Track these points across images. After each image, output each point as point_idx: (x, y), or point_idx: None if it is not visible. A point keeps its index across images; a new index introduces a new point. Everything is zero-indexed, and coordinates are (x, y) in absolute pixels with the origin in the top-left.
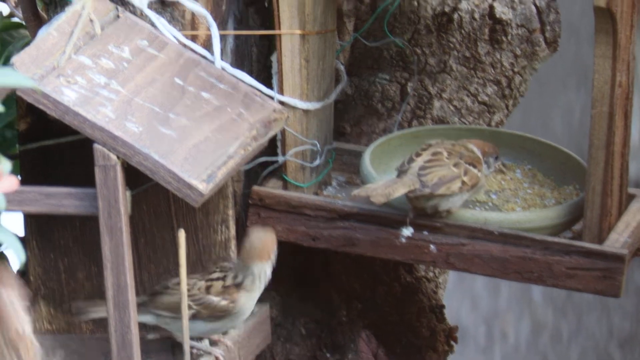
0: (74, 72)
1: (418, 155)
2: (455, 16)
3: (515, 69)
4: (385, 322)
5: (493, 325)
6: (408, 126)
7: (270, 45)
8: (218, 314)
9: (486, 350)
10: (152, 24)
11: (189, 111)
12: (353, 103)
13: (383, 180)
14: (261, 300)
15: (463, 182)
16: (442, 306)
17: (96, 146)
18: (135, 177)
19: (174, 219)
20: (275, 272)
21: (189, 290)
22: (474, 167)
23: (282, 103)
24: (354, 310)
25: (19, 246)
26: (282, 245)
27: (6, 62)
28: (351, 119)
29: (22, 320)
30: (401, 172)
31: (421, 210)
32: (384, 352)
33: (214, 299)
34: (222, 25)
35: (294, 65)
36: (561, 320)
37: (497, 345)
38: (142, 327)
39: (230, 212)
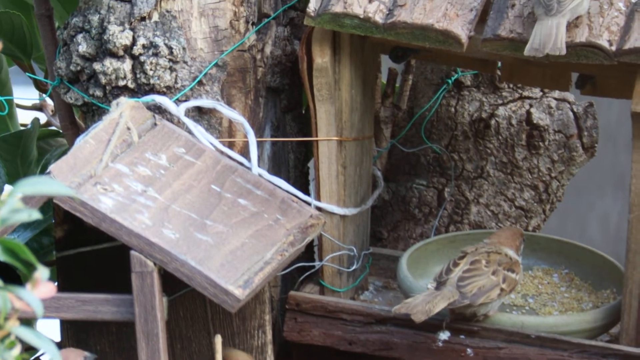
0: (111, 180)
1: (456, 265)
2: (493, 122)
3: (553, 174)
4: None
5: None
6: (445, 231)
7: (307, 151)
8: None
9: None
10: (189, 132)
11: (226, 217)
12: (390, 208)
13: (422, 294)
14: None
15: (502, 290)
16: None
17: (133, 253)
18: (171, 281)
19: (210, 324)
20: None
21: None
22: (513, 272)
23: (319, 209)
24: None
25: (56, 352)
26: (318, 349)
27: (43, 170)
28: (388, 224)
29: None
30: (440, 284)
31: (459, 315)
32: None
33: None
34: (259, 132)
35: (331, 172)
36: None
37: None
38: None
39: (267, 317)
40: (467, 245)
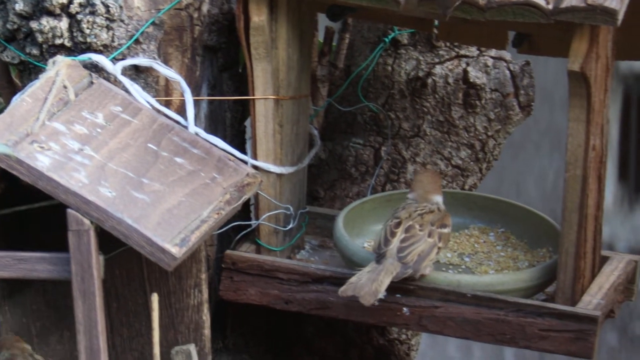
0: (47, 138)
1: (393, 234)
2: (429, 81)
3: (489, 133)
4: None
5: None
6: (382, 190)
7: (244, 110)
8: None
9: None
10: (126, 90)
11: (163, 176)
12: (326, 167)
13: (365, 271)
14: None
15: (439, 248)
16: None
17: (69, 211)
18: (108, 241)
19: (146, 283)
20: (247, 335)
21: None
22: (445, 226)
23: (255, 168)
24: None
25: None
26: (254, 308)
27: None
28: (325, 183)
29: None
30: (380, 256)
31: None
32: None
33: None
34: (195, 91)
35: (268, 130)
36: None
37: None
38: None
39: (203, 276)
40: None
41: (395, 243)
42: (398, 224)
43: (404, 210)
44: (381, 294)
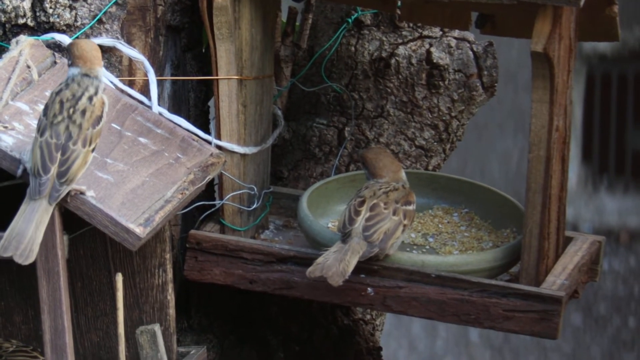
0: (11, 118)
1: (357, 213)
2: (393, 61)
3: (453, 114)
4: None
5: None
6: (345, 170)
7: (208, 90)
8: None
9: None
10: None
11: (126, 156)
12: (290, 147)
13: (331, 251)
14: (198, 342)
15: (404, 226)
16: (380, 348)
17: None
18: (72, 220)
19: (111, 262)
20: (212, 315)
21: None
22: (409, 204)
23: (219, 148)
24: (291, 353)
25: None
26: (219, 288)
27: None
28: (289, 163)
29: None
30: (345, 235)
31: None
32: None
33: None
34: (159, 71)
35: (232, 110)
36: None
37: None
38: None
39: (168, 255)
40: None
41: (360, 222)
42: (362, 203)
43: (367, 189)
44: (348, 274)
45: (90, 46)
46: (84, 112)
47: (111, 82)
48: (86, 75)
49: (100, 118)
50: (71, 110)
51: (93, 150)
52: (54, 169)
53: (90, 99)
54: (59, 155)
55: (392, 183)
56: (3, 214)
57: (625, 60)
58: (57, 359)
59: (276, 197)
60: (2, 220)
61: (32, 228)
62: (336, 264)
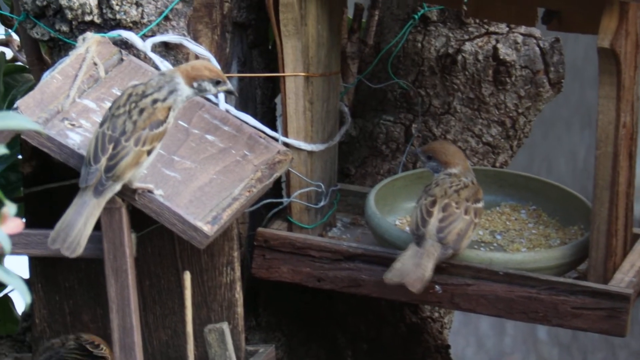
0: (78, 115)
1: (429, 214)
2: (459, 58)
3: (520, 110)
4: None
5: None
6: (412, 167)
7: (274, 87)
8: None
9: None
10: (156, 67)
11: (194, 153)
12: (357, 144)
13: (407, 255)
14: (266, 341)
15: (475, 224)
16: (448, 346)
17: None
18: (140, 219)
19: (179, 261)
20: (280, 313)
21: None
22: (478, 201)
23: (286, 145)
24: (359, 351)
25: (24, 288)
26: (287, 286)
27: (10, 105)
28: (356, 161)
29: None
30: (418, 238)
31: None
32: None
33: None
34: (226, 68)
35: (298, 107)
36: None
37: None
38: None
39: (236, 253)
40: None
41: (433, 223)
42: (433, 203)
43: (437, 187)
44: (427, 279)
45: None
46: (142, 110)
47: None
48: (191, 88)
49: (161, 122)
50: (132, 106)
51: (149, 152)
52: (103, 160)
53: (155, 101)
54: (110, 147)
55: (462, 179)
56: None
57: None
58: (126, 358)
59: (343, 194)
60: None
61: (81, 221)
62: (414, 269)
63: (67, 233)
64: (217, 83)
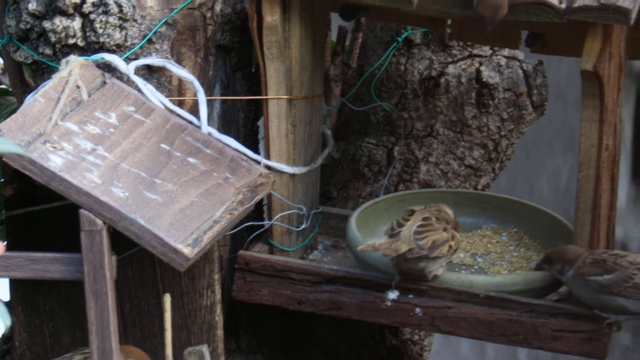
0: (60, 138)
1: (406, 220)
2: (442, 80)
3: (502, 133)
4: None
5: None
6: (394, 190)
7: (257, 110)
8: None
9: None
10: (139, 90)
11: (175, 176)
12: (340, 167)
13: (382, 239)
14: None
15: (450, 247)
16: None
17: (82, 211)
18: (121, 241)
19: (159, 283)
20: (260, 335)
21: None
22: (457, 231)
23: (268, 168)
24: None
25: (4, 311)
26: (267, 309)
27: None
28: (338, 183)
29: None
30: (392, 236)
31: (407, 275)
32: None
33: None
34: (209, 91)
35: (281, 130)
36: None
37: None
38: None
39: (216, 276)
40: (415, 204)
41: (409, 227)
42: (411, 212)
43: (418, 206)
44: (399, 253)
45: None
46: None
47: (161, 102)
48: None
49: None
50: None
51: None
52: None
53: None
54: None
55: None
56: (53, 235)
57: None
58: None
59: (325, 217)
60: (53, 240)
61: None
62: (389, 242)
63: None
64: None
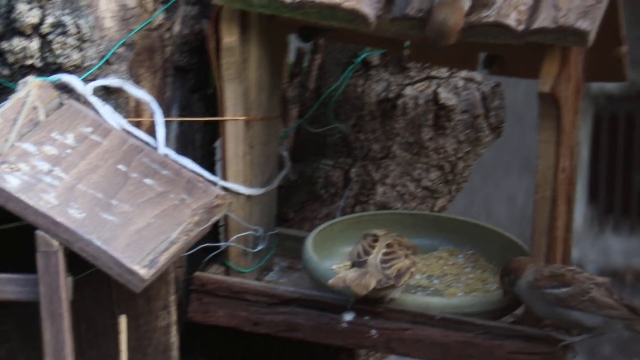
0: (17, 159)
1: (372, 247)
2: (400, 102)
3: (459, 155)
4: None
5: None
6: (351, 212)
7: (214, 131)
8: None
9: None
10: (97, 111)
11: (132, 197)
12: (296, 189)
13: (351, 271)
14: None
15: (411, 273)
16: None
17: (38, 232)
18: (77, 262)
19: (115, 304)
20: (216, 357)
21: None
22: (415, 255)
23: (225, 189)
24: None
25: None
26: (223, 330)
27: None
28: (294, 205)
29: None
30: (359, 264)
31: (364, 297)
32: None
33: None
34: (166, 112)
35: (238, 151)
36: None
37: None
38: None
39: (172, 297)
40: (371, 226)
41: (375, 255)
42: (375, 239)
43: (379, 230)
44: (369, 289)
45: None
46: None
47: (118, 123)
48: None
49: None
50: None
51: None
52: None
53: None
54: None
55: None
56: (8, 256)
57: (633, 101)
58: None
59: (281, 238)
60: (9, 261)
61: None
62: (359, 277)
63: None
64: None
